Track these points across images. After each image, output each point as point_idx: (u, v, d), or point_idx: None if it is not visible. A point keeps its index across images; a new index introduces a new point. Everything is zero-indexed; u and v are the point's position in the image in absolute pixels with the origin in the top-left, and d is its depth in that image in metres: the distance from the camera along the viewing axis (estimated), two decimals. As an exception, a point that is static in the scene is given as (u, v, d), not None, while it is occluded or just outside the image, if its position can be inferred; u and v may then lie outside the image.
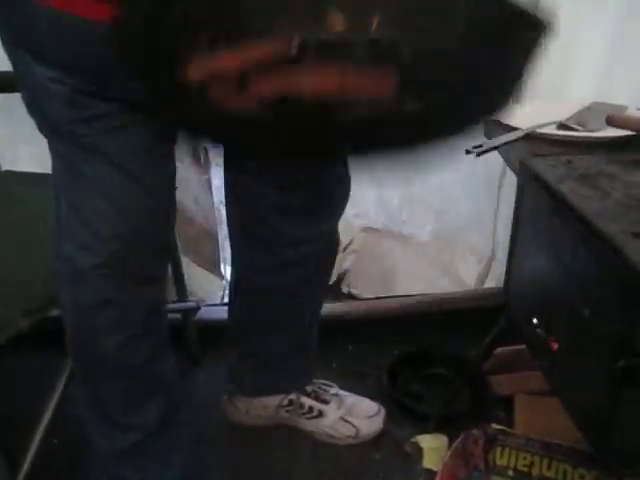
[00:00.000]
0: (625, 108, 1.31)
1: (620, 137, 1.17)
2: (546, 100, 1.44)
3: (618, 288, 0.84)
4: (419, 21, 0.55)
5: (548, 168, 1.06)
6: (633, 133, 1.16)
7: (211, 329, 1.65)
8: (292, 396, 1.48)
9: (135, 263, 1.00)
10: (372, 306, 1.83)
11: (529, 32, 0.62)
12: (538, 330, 1.08)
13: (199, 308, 1.62)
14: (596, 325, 0.91)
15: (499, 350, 1.56)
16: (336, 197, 1.26)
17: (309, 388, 1.50)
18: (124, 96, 0.86)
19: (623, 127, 1.12)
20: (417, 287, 1.88)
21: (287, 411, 1.49)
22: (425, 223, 1.90)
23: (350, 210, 1.98)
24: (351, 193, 1.96)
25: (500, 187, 1.76)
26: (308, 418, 1.49)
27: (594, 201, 0.95)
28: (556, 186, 1.00)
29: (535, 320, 1.10)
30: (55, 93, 0.87)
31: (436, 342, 1.68)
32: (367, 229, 2.00)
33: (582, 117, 1.29)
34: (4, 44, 0.90)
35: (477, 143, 1.14)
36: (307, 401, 1.48)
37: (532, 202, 1.09)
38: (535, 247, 1.11)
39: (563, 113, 1.31)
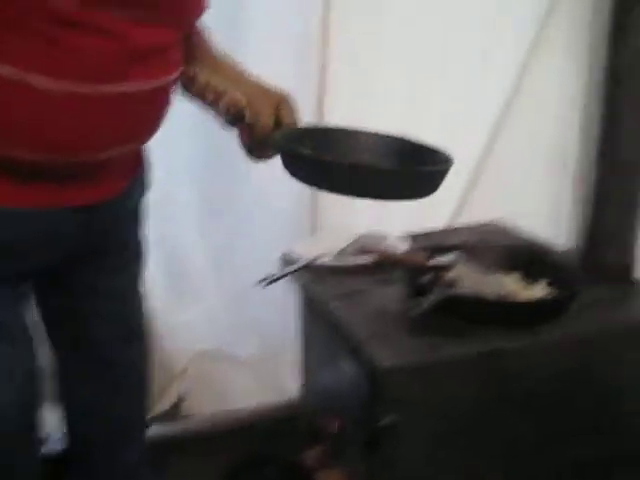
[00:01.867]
0: (384, 237, 1.67)
1: (376, 262, 1.52)
2: (331, 231, 1.80)
3: (366, 380, 1.14)
4: None
5: (321, 291, 1.38)
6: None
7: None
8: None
9: None
10: (201, 423, 2.02)
11: None
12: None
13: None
14: (352, 409, 1.21)
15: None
16: None
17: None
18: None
19: (372, 254, 1.47)
20: (247, 402, 2.10)
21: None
22: (251, 342, 2.15)
23: (184, 334, 2.22)
24: (183, 318, 2.20)
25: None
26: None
27: (351, 315, 1.27)
28: (322, 303, 1.31)
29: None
30: None
31: (268, 450, 1.89)
32: (200, 352, 2.21)
33: (355, 247, 1.64)
34: None
35: (269, 275, 1.44)
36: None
37: (309, 319, 1.40)
38: (314, 354, 1.41)
39: (341, 243, 1.65)
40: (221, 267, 2.11)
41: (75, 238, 1.07)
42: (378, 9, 1.84)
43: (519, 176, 2.03)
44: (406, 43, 1.89)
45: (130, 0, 0.91)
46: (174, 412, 2.11)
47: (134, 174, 1.18)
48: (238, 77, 1.15)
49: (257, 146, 1.11)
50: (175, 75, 1.06)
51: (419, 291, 1.25)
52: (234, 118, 1.07)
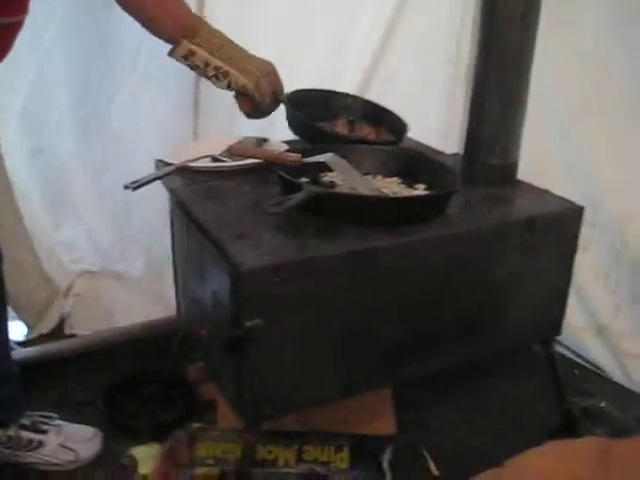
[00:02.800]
0: (264, 140, 1.59)
1: (253, 164, 1.44)
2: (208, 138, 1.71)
3: (229, 281, 1.07)
4: None
5: (190, 194, 1.29)
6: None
7: None
8: (10, 432, 1.54)
9: None
10: (89, 340, 1.95)
11: None
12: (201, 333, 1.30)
13: None
14: (220, 314, 1.15)
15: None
16: None
17: (27, 421, 1.57)
18: None
19: (246, 156, 1.39)
20: (135, 319, 2.03)
21: (8, 447, 1.54)
22: (136, 259, 2.06)
23: (67, 256, 2.12)
24: (66, 239, 2.11)
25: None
26: (28, 450, 1.55)
27: (217, 215, 1.19)
28: (190, 206, 1.23)
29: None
30: None
31: (149, 364, 1.84)
32: (85, 272, 2.13)
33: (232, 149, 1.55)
34: None
35: (138, 179, 1.35)
36: (25, 434, 1.56)
37: (177, 224, 1.31)
38: (185, 262, 1.33)
39: (221, 147, 1.56)
40: (100, 182, 2.02)
41: None
42: None
43: (412, 81, 1.99)
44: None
45: None
46: (57, 332, 2.04)
47: None
48: (240, 55, 1.36)
49: (258, 115, 1.44)
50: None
51: (291, 190, 1.19)
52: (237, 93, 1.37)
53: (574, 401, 1.45)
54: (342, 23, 1.93)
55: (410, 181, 1.39)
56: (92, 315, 2.12)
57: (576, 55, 1.77)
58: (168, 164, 1.46)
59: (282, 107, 1.49)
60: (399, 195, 1.27)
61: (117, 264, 2.11)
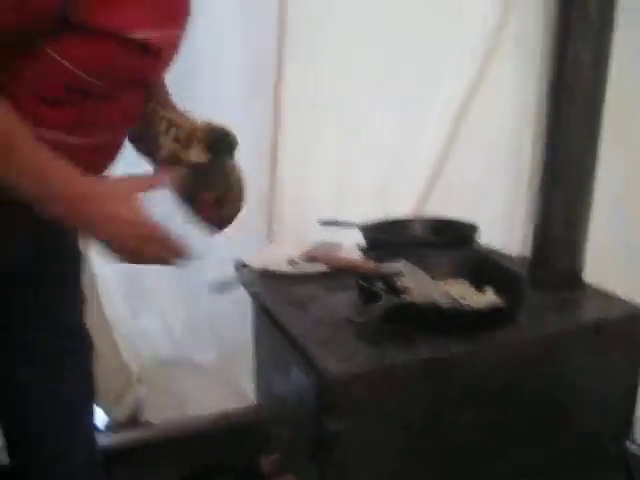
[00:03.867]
0: (338, 246, 1.69)
1: (328, 270, 1.53)
2: (284, 241, 1.81)
3: (314, 386, 1.15)
4: None
5: (273, 299, 1.38)
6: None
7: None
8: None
9: None
10: (163, 429, 2.02)
11: None
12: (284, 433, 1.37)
13: None
14: (303, 414, 1.21)
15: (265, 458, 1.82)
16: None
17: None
18: None
19: (323, 262, 1.48)
20: (207, 408, 2.10)
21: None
22: (209, 347, 2.15)
23: (142, 343, 2.22)
24: (142, 327, 2.20)
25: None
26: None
27: (301, 321, 1.28)
28: (274, 311, 1.32)
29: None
30: None
31: (224, 455, 1.90)
32: (156, 358, 2.21)
33: (311, 254, 1.65)
34: None
35: (220, 282, 1.44)
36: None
37: (261, 326, 1.40)
38: (267, 360, 1.41)
39: (296, 251, 1.66)
40: (176, 273, 2.11)
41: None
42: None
43: (476, 183, 2.07)
44: (363, 53, 1.92)
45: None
46: (131, 419, 2.12)
47: None
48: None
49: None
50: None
51: (369, 298, 1.27)
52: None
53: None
54: (406, 127, 2.03)
55: (479, 283, 1.45)
56: (165, 403, 2.18)
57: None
58: (247, 266, 1.57)
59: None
60: (472, 305, 1.33)
61: (190, 352, 2.19)
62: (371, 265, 1.38)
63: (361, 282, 1.30)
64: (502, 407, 1.28)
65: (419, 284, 1.37)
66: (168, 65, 1.13)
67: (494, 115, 2.07)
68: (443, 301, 1.32)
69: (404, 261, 1.37)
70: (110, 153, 1.14)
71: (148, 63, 1.03)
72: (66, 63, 0.93)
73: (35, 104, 0.96)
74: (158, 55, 1.03)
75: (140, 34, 0.95)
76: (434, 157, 2.04)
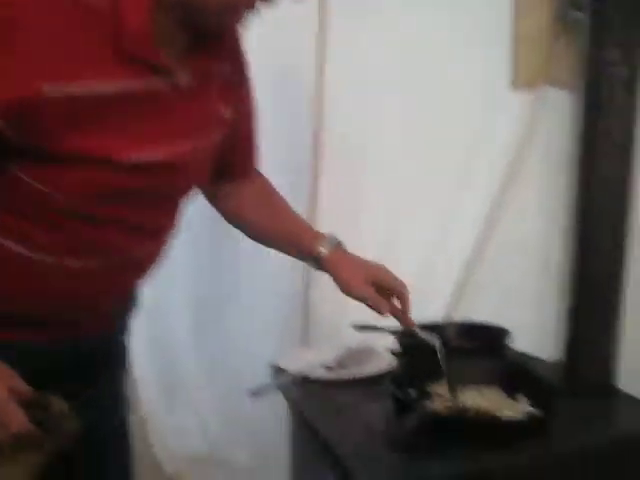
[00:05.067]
0: (372, 349, 1.72)
1: (369, 376, 1.57)
2: (321, 342, 1.85)
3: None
4: None
5: (309, 407, 1.42)
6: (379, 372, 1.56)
7: None
8: None
9: None
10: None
11: None
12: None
13: None
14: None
15: None
16: None
17: None
18: None
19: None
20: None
21: None
22: (243, 447, 2.16)
23: (177, 441, 2.24)
24: (177, 424, 2.22)
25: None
26: None
27: (339, 431, 1.30)
28: (313, 421, 1.35)
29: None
30: None
31: None
32: (192, 458, 2.23)
33: (343, 359, 1.69)
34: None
35: (258, 387, 1.49)
36: None
37: (298, 435, 1.43)
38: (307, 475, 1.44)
39: (330, 355, 1.70)
40: (213, 373, 2.16)
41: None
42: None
43: (507, 286, 2.10)
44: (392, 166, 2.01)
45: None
46: None
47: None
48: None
49: None
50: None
51: (404, 406, 1.29)
52: None
53: None
54: (438, 228, 2.09)
55: (511, 392, 1.46)
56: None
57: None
58: (283, 370, 1.60)
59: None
60: (506, 418, 1.34)
61: (224, 451, 2.20)
62: (409, 321, 1.36)
63: (395, 391, 1.32)
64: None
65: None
66: (192, 177, 1.14)
67: (525, 217, 2.12)
68: (475, 410, 1.33)
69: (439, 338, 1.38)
70: (129, 271, 1.16)
71: (155, 181, 1.04)
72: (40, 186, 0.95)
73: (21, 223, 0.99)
74: (171, 171, 1.05)
75: (124, 156, 0.97)
76: (465, 259, 2.08)
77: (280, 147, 1.90)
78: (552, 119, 2.02)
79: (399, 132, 2.01)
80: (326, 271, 1.32)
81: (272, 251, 1.42)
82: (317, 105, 1.94)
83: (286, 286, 2.04)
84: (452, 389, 1.36)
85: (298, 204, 1.86)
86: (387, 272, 1.32)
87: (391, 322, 1.34)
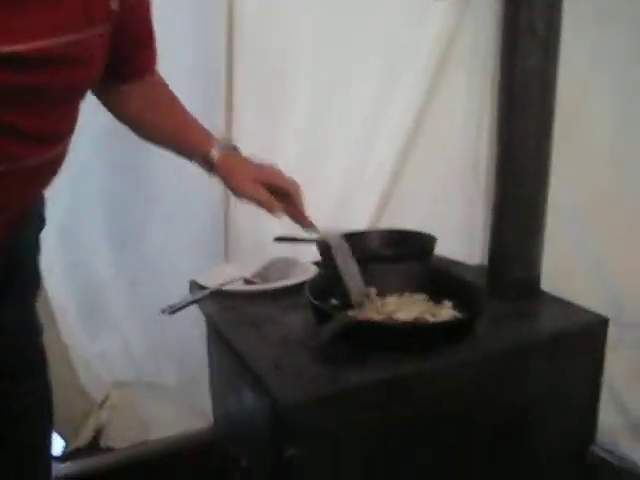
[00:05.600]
0: (295, 262, 1.66)
1: (289, 287, 1.50)
2: (242, 257, 1.78)
3: (268, 413, 1.11)
4: None
5: (225, 320, 1.35)
6: (295, 283, 1.50)
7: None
8: None
9: None
10: (125, 455, 1.97)
11: None
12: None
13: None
14: (259, 440, 1.18)
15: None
16: None
17: None
18: None
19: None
20: (170, 430, 2.06)
21: None
22: (170, 370, 2.11)
23: (102, 367, 2.17)
24: (101, 351, 2.16)
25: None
26: None
27: (253, 344, 1.24)
28: (227, 334, 1.28)
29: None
30: None
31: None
32: (119, 384, 2.17)
33: (264, 271, 1.62)
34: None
35: (174, 303, 1.41)
36: None
37: (215, 348, 1.37)
38: (222, 384, 1.37)
39: (251, 269, 1.63)
40: (135, 296, 2.08)
41: None
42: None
43: (433, 194, 2.06)
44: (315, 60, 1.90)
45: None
46: (92, 446, 2.07)
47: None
48: None
49: None
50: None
51: (323, 316, 1.24)
52: None
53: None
54: (360, 138, 2.02)
55: (437, 297, 1.43)
56: (128, 427, 2.14)
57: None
58: (202, 286, 1.53)
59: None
60: (428, 322, 1.30)
61: (151, 375, 2.15)
62: (307, 221, 1.34)
63: (314, 301, 1.26)
64: (457, 424, 1.25)
65: (375, 299, 1.35)
66: (78, 74, 1.06)
67: (450, 125, 2.06)
68: (398, 317, 1.29)
69: (341, 237, 1.34)
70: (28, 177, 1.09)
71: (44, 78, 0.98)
72: None
73: None
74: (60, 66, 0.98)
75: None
76: (390, 168, 2.02)
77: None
78: (477, 18, 1.93)
79: (317, 41, 1.89)
80: (218, 174, 1.30)
81: (191, 167, 1.37)
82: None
83: (207, 201, 1.94)
84: (349, 291, 1.31)
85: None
86: (278, 172, 1.32)
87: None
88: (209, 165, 1.30)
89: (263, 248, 1.82)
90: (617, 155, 1.75)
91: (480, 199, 1.99)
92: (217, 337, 1.36)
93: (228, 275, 1.59)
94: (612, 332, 1.45)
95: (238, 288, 1.52)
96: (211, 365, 1.50)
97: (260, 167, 1.31)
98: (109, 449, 2.07)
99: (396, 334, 1.21)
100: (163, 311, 1.39)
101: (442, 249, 1.74)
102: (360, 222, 2.00)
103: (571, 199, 1.78)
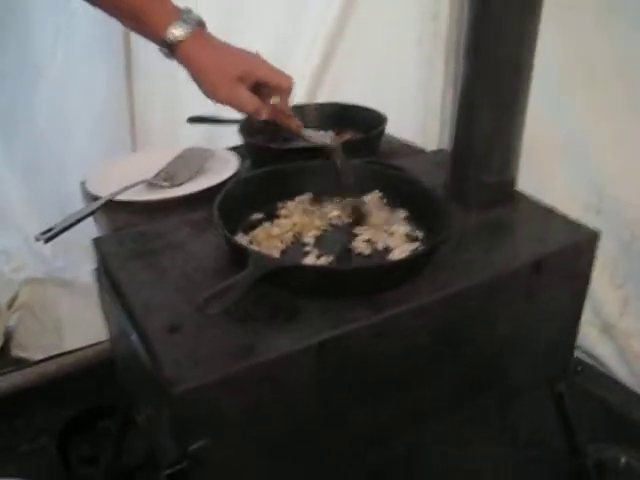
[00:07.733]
0: (212, 152, 1.33)
1: (200, 192, 1.19)
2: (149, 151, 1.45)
3: (163, 400, 0.83)
4: None
5: (114, 249, 1.04)
6: (213, 185, 1.19)
7: None
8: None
9: None
10: (37, 372, 1.74)
11: None
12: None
13: None
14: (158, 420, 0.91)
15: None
16: None
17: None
18: None
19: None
20: (85, 331, 1.82)
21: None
22: (82, 265, 1.83)
23: (7, 266, 1.89)
24: (4, 248, 1.88)
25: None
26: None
27: (147, 288, 0.95)
28: (116, 273, 0.98)
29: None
30: None
31: (106, 395, 1.63)
32: (30, 281, 1.90)
33: (172, 169, 1.29)
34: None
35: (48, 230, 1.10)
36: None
37: (104, 284, 1.06)
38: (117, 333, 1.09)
39: (158, 166, 1.30)
40: (32, 185, 1.78)
41: None
42: None
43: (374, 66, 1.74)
44: None
45: None
46: (3, 353, 1.86)
47: None
48: None
49: None
50: None
51: (238, 255, 0.94)
52: None
53: (589, 454, 1.26)
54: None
55: (391, 199, 1.16)
56: (40, 329, 1.91)
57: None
58: (93, 195, 1.21)
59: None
60: (376, 260, 1.01)
61: (63, 271, 1.88)
62: (295, 123, 1.08)
63: (228, 235, 0.96)
64: (418, 377, 1.01)
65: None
66: None
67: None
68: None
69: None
70: None
71: None
72: None
73: None
74: None
75: None
76: (326, 34, 1.65)
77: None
78: None
79: None
80: (181, 63, 0.99)
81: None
82: None
83: (107, 78, 1.57)
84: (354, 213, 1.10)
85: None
86: (263, 63, 1.03)
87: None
88: (170, 49, 0.97)
89: (175, 134, 1.50)
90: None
91: (440, 57, 1.66)
92: (105, 273, 1.05)
93: (127, 175, 1.26)
94: (589, 221, 1.16)
95: (134, 198, 1.20)
96: (101, 299, 1.17)
97: (238, 55, 1.00)
98: (20, 360, 1.84)
99: (337, 280, 0.92)
100: (37, 239, 1.08)
101: (392, 125, 1.42)
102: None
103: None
